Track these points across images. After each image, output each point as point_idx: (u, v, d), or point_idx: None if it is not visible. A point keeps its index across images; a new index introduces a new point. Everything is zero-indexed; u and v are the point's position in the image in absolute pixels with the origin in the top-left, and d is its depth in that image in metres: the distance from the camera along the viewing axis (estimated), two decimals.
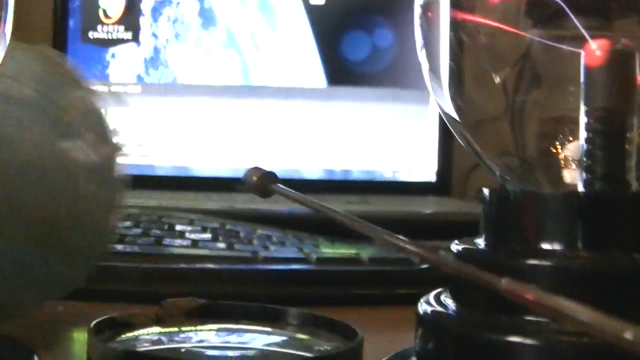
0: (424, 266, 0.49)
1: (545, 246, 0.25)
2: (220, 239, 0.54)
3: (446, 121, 0.32)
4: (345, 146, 0.86)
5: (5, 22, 0.46)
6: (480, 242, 0.27)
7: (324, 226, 0.67)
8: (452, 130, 0.32)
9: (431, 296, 0.28)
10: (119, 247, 0.50)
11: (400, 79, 0.87)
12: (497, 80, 0.30)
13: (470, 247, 0.27)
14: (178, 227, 0.57)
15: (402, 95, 0.87)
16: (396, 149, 0.87)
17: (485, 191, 0.27)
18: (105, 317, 0.31)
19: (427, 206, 0.80)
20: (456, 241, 0.28)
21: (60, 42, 0.85)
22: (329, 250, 0.54)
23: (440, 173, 0.87)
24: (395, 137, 0.87)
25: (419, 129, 0.87)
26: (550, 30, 0.29)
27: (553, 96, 0.30)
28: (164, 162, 0.85)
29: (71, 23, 0.85)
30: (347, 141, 0.86)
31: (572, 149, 0.27)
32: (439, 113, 0.83)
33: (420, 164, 0.87)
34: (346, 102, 0.86)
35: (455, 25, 0.30)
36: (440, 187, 0.87)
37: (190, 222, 0.59)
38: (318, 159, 0.86)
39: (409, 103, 0.87)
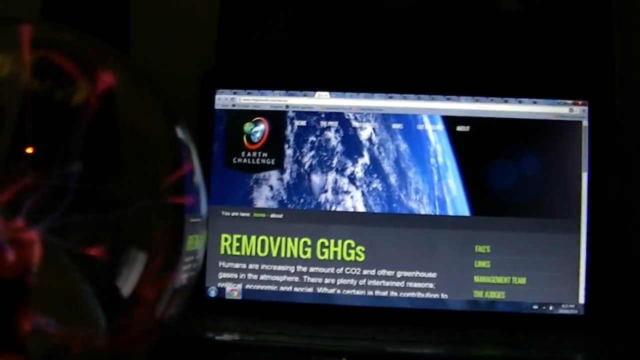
0: None
1: None
2: None
3: None
4: (490, 277, 0.84)
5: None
6: None
7: None
8: None
9: None
10: None
11: (547, 208, 0.84)
12: None
13: None
14: None
15: (548, 224, 0.84)
16: (543, 280, 0.84)
17: None
18: None
19: (580, 348, 0.77)
20: None
21: (204, 167, 0.85)
22: None
23: (588, 306, 0.84)
24: (542, 268, 0.84)
25: (567, 259, 0.84)
26: None
27: None
28: (305, 290, 0.84)
29: (215, 148, 0.86)
30: (493, 271, 0.84)
31: None
32: (587, 242, 0.80)
33: (568, 295, 0.84)
34: (491, 232, 0.84)
35: None
36: (589, 321, 0.84)
37: None
38: (463, 289, 0.84)
39: (556, 233, 0.84)
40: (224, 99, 0.87)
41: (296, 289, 0.85)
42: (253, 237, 0.85)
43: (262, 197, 0.86)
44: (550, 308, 0.84)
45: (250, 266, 0.85)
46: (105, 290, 0.48)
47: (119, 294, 0.48)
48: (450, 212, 0.85)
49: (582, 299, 0.84)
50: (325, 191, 0.85)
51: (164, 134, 0.54)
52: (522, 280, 0.84)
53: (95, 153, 0.47)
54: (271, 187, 0.86)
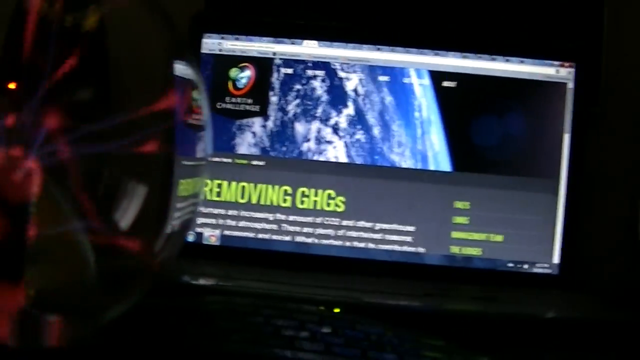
0: None
1: None
2: (354, 343, 0.53)
3: None
4: (468, 233, 0.84)
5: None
6: None
7: (451, 322, 0.66)
8: None
9: None
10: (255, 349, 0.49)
11: (528, 167, 0.85)
12: None
13: None
14: (309, 326, 0.56)
15: (528, 183, 0.84)
16: (519, 239, 0.84)
17: None
18: None
19: (553, 305, 0.77)
20: None
21: None
22: None
23: (563, 266, 0.85)
24: (519, 226, 0.84)
25: (544, 219, 0.84)
26: None
27: None
28: (284, 238, 0.84)
29: None
30: (471, 228, 0.84)
31: None
32: (565, 203, 0.81)
33: (544, 254, 0.84)
34: (471, 188, 0.84)
35: None
36: (564, 280, 0.84)
37: (321, 320, 0.57)
38: (440, 244, 0.84)
39: (535, 192, 0.84)
40: (211, 44, 0.87)
41: (274, 237, 0.85)
42: (233, 183, 0.85)
43: (245, 144, 0.86)
44: (525, 267, 0.84)
45: (230, 212, 0.85)
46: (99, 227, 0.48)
47: (112, 227, 0.47)
48: (432, 167, 0.85)
49: (556, 259, 0.85)
50: (308, 140, 0.85)
51: (160, 67, 0.52)
52: (499, 238, 0.85)
53: (101, 83, 0.47)
54: (254, 134, 0.85)
